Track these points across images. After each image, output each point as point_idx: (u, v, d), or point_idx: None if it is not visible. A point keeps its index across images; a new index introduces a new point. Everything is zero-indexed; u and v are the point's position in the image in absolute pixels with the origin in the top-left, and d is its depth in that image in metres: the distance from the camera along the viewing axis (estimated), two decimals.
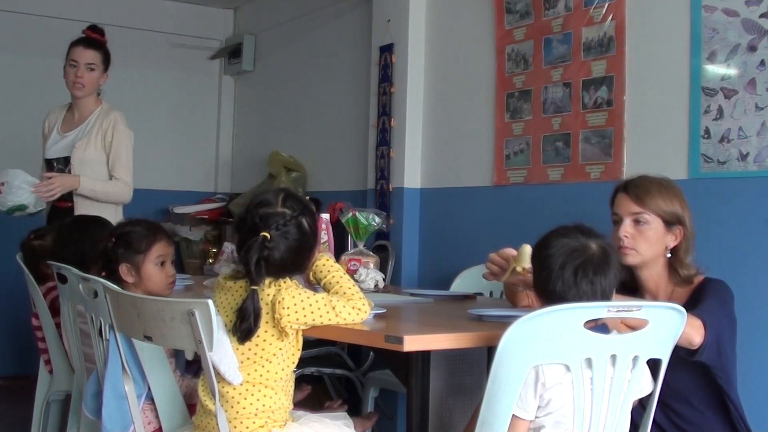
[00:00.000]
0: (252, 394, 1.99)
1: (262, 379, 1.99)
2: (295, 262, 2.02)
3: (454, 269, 3.59)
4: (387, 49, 4.35)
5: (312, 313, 1.96)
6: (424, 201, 4.23)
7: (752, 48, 2.83)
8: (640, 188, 2.35)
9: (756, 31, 2.83)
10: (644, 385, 1.93)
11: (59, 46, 5.57)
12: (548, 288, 1.87)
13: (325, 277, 2.07)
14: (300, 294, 1.98)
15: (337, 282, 2.05)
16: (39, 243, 3.11)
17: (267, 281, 1.99)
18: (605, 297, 1.87)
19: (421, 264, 4.22)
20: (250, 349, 1.98)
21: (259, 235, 1.95)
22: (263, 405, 1.99)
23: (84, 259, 2.70)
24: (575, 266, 1.85)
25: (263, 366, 1.99)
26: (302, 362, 2.10)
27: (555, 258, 1.87)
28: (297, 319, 1.96)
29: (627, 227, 2.33)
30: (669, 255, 2.34)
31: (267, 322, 1.97)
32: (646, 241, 2.31)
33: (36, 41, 5.51)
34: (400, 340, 1.78)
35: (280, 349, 1.99)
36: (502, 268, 2.38)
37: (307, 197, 2.17)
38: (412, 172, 4.23)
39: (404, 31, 4.25)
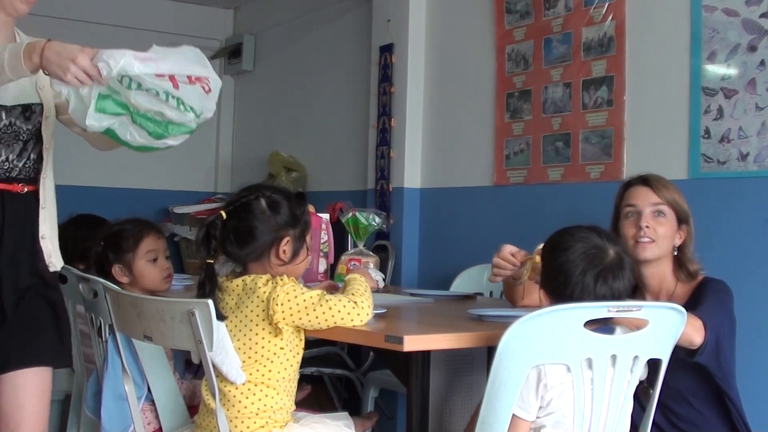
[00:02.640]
0: (254, 394, 1.99)
1: (264, 379, 1.99)
2: (247, 242, 2.03)
3: (454, 269, 3.59)
4: (387, 49, 4.34)
5: (306, 308, 1.95)
6: (424, 201, 4.22)
7: (752, 48, 2.83)
8: (659, 182, 2.36)
9: (756, 31, 2.83)
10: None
11: None
12: (565, 293, 1.87)
13: (345, 284, 2.10)
14: (295, 290, 1.97)
15: (350, 285, 2.06)
16: None
17: (264, 278, 1.99)
18: (633, 296, 1.89)
19: (421, 264, 4.22)
20: (250, 348, 1.98)
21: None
22: (265, 405, 1.99)
23: (85, 259, 2.70)
24: (596, 273, 1.86)
25: (264, 366, 1.99)
26: (302, 362, 2.10)
27: (575, 263, 1.87)
28: (290, 315, 1.95)
29: (649, 218, 2.31)
30: (675, 253, 2.35)
31: (263, 320, 1.97)
32: (663, 234, 2.30)
33: None
34: (400, 340, 1.78)
35: (281, 348, 1.99)
36: (514, 265, 2.36)
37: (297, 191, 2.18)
38: (412, 172, 4.23)
39: (404, 31, 4.25)
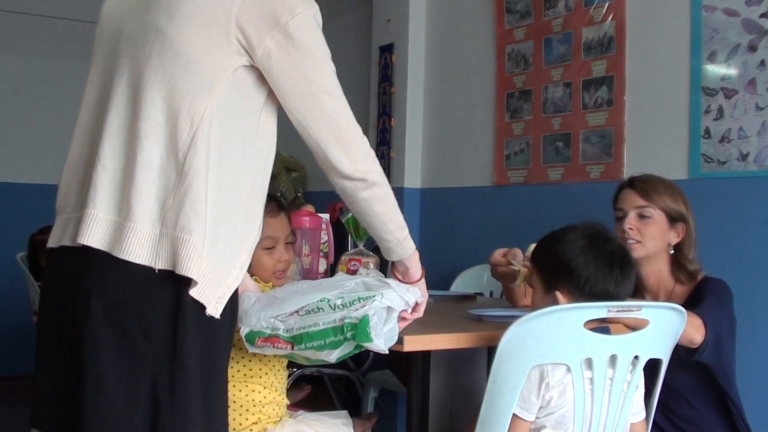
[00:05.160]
0: (240, 390, 1.99)
1: (245, 371, 2.00)
2: None
3: (454, 269, 3.59)
4: (387, 49, 4.35)
5: None
6: (424, 201, 4.23)
7: (752, 48, 2.83)
8: (646, 184, 2.38)
9: (756, 31, 2.83)
10: (637, 409, 1.92)
11: (60, 46, 5.59)
12: (594, 291, 1.85)
13: None
14: None
15: None
16: (40, 237, 3.14)
17: (254, 278, 2.00)
18: (632, 296, 1.91)
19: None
20: None
21: None
22: (253, 400, 2.00)
23: None
24: (620, 267, 1.86)
25: (242, 360, 1.99)
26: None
27: (597, 261, 1.86)
28: None
29: (632, 220, 2.36)
30: (672, 252, 2.35)
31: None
32: (649, 235, 2.34)
33: (36, 41, 5.51)
34: (400, 340, 1.78)
35: None
36: (511, 275, 2.37)
37: (278, 194, 2.17)
38: (412, 172, 4.23)
39: (404, 31, 4.25)
